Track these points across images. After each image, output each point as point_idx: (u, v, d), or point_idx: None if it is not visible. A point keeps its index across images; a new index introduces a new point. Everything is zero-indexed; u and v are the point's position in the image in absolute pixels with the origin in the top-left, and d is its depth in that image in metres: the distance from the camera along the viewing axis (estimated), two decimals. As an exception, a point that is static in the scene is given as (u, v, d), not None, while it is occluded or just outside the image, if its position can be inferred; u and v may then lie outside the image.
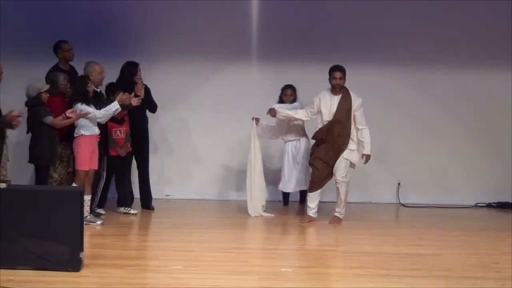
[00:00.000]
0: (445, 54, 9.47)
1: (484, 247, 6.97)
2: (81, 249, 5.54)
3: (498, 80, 9.53)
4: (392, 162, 9.65)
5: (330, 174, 7.94)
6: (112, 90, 7.98)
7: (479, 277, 5.76)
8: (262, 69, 9.49)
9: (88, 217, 7.33)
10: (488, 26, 9.42)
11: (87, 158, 7.38)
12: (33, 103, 7.28)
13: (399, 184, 9.64)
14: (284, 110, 8.11)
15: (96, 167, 7.56)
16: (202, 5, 9.30)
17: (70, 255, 5.44)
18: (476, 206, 9.61)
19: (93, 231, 7.15)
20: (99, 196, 8.08)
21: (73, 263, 5.44)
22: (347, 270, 5.95)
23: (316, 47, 9.22)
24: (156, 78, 8.88)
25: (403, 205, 9.52)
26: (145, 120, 8.49)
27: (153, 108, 8.52)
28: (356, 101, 7.87)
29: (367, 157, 7.99)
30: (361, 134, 7.94)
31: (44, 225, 5.43)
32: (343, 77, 7.84)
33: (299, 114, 8.08)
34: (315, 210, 8.03)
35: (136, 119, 8.28)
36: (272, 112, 8.09)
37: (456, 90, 9.56)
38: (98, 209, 8.02)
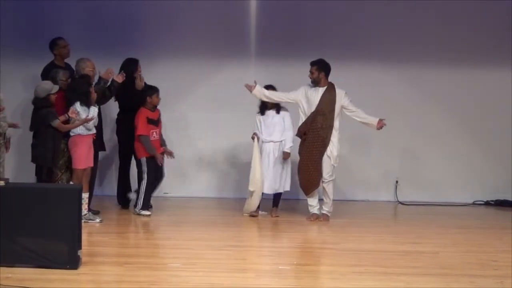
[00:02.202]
0: (445, 52, 9.46)
1: (482, 245, 6.98)
2: (79, 247, 5.54)
3: (497, 78, 9.53)
4: (390, 160, 9.65)
5: (320, 173, 7.95)
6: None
7: (477, 275, 5.76)
8: (260, 67, 9.47)
9: (87, 214, 7.34)
10: (488, 24, 9.42)
11: (84, 156, 7.38)
12: (41, 104, 7.27)
13: (397, 182, 9.64)
14: (264, 92, 8.04)
15: (92, 164, 7.55)
16: (201, 4, 9.30)
17: (68, 253, 5.44)
18: (474, 204, 9.61)
19: (92, 229, 7.15)
20: (143, 198, 7.96)
21: (71, 261, 5.44)
22: (345, 268, 5.94)
23: (314, 45, 9.18)
24: (155, 76, 8.83)
25: (401, 203, 9.53)
26: None
27: None
28: (340, 93, 7.94)
29: (381, 122, 7.95)
30: (359, 115, 7.98)
31: (42, 223, 5.43)
32: (315, 71, 7.89)
33: (277, 97, 8.05)
34: (318, 207, 8.07)
35: None
36: (250, 88, 8.04)
37: (454, 88, 9.56)
38: (143, 211, 7.95)
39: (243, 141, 8.70)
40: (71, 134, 7.37)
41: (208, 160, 9.61)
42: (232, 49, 9.44)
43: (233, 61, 9.47)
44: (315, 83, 7.93)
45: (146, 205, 8.00)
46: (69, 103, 7.37)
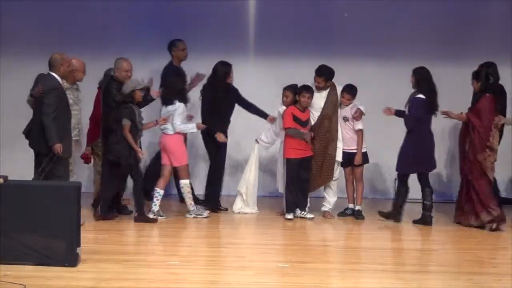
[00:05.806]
0: (443, 50, 9.45)
1: (481, 242, 6.98)
2: (78, 244, 5.55)
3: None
4: (388, 157, 9.63)
5: (322, 176, 7.98)
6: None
7: (475, 272, 5.77)
8: (259, 64, 9.49)
9: (194, 209, 7.59)
10: (487, 22, 9.42)
11: (185, 152, 7.78)
12: (125, 99, 7.27)
13: (395, 179, 9.63)
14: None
15: None
16: (200, 3, 9.31)
17: (67, 250, 5.45)
18: (473, 201, 9.60)
19: (91, 226, 7.12)
20: (284, 201, 7.88)
21: (70, 259, 5.45)
22: (343, 265, 5.96)
23: (313, 42, 9.20)
24: (153, 74, 8.85)
25: (400, 200, 9.51)
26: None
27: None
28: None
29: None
30: None
31: (41, 221, 5.43)
32: (324, 80, 7.86)
33: None
34: (308, 205, 8.07)
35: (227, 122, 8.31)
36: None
37: (453, 86, 9.53)
38: (287, 214, 7.79)
39: (243, 139, 8.70)
40: (169, 133, 7.58)
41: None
42: (229, 45, 9.42)
43: (231, 57, 9.42)
44: (319, 89, 7.90)
45: (290, 209, 7.83)
46: (167, 102, 7.57)
